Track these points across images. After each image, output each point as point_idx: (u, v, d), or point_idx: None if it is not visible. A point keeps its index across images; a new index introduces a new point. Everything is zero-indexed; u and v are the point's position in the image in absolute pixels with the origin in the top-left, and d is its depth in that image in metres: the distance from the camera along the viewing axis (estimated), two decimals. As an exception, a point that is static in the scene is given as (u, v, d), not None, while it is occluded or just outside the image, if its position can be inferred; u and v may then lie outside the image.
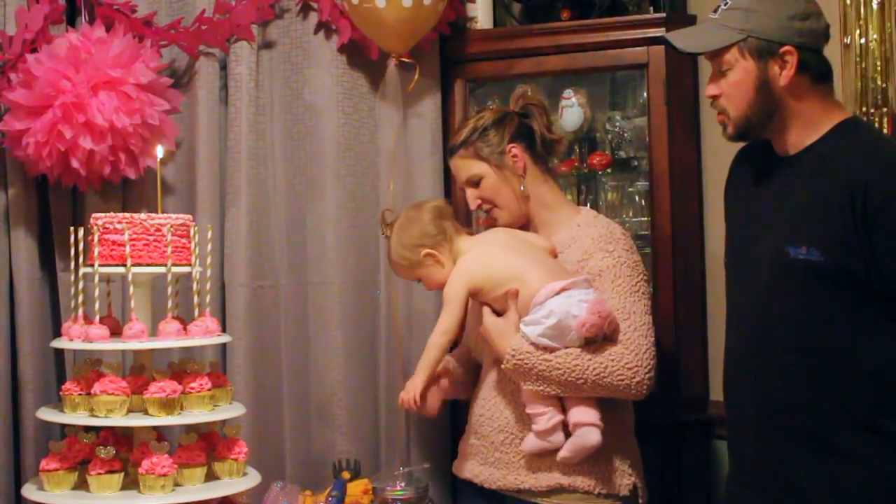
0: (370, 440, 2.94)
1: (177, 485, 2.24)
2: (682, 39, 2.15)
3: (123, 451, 2.29)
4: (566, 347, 2.25)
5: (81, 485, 2.27)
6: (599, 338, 2.27)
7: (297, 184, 2.97)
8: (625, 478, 2.34)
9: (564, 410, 2.29)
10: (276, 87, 2.98)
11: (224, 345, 2.80)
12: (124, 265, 2.26)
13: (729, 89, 2.03)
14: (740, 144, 2.19)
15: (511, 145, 2.45)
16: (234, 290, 2.87)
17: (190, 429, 2.36)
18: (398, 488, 2.53)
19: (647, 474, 2.44)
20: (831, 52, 2.08)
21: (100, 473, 2.21)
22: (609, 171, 3.02)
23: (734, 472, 2.15)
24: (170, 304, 2.40)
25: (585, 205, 3.06)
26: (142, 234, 2.29)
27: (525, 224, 2.51)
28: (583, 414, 2.26)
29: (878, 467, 1.91)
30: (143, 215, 2.33)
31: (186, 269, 2.35)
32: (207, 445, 2.35)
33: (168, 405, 2.22)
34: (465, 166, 2.49)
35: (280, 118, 2.98)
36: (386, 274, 2.92)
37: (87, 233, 2.32)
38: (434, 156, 2.98)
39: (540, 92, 2.62)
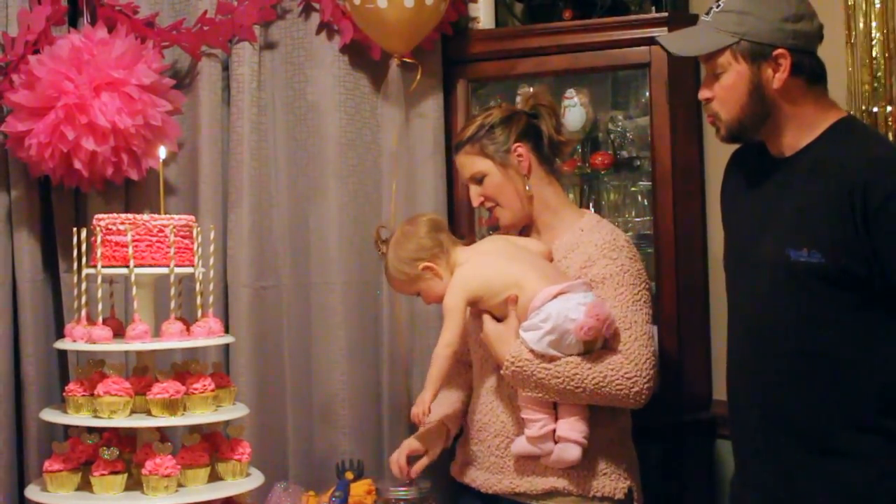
0: (373, 440, 2.94)
1: (180, 485, 2.24)
2: (675, 42, 2.15)
3: (127, 452, 2.29)
4: (566, 355, 2.24)
5: (85, 486, 2.27)
6: (599, 342, 2.26)
7: (300, 184, 2.97)
8: (620, 481, 2.34)
9: (558, 418, 2.29)
10: (278, 88, 2.98)
11: (227, 345, 2.80)
12: (127, 266, 2.26)
13: (722, 92, 2.02)
14: (741, 145, 2.19)
15: (517, 144, 2.44)
16: (236, 291, 2.88)
17: (193, 429, 2.35)
18: (401, 489, 2.53)
19: (650, 474, 2.44)
20: (835, 48, 2.07)
21: (103, 474, 2.21)
22: (611, 170, 3.02)
23: (738, 472, 2.15)
24: (173, 304, 2.41)
25: (588, 205, 3.06)
26: (144, 234, 2.29)
27: (528, 226, 2.51)
28: (569, 429, 2.27)
29: (880, 468, 1.90)
30: (145, 216, 2.33)
31: (189, 269, 2.35)
32: (211, 446, 2.35)
33: (171, 406, 2.23)
34: (470, 163, 2.48)
35: (282, 119, 2.98)
36: (388, 274, 2.93)
37: (90, 234, 2.32)
38: (436, 156, 2.98)
39: (548, 93, 2.62)
